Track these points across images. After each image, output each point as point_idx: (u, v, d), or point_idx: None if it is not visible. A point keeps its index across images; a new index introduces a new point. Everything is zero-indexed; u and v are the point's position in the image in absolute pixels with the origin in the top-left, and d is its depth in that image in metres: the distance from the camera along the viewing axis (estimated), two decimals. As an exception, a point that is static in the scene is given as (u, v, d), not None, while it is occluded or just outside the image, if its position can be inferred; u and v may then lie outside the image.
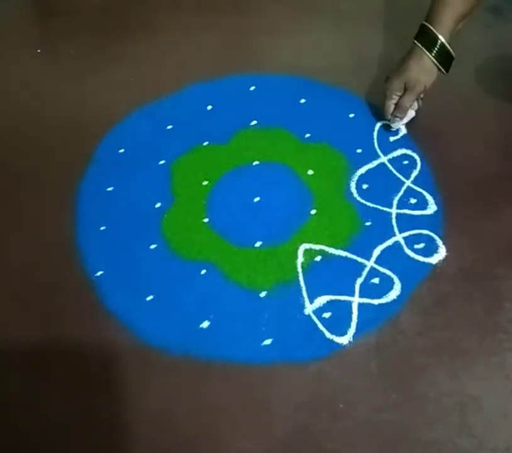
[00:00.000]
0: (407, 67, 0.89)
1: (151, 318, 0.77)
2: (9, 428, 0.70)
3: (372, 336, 0.75)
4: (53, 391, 0.72)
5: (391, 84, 0.91)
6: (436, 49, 0.87)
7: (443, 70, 0.90)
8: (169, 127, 0.98)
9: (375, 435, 0.68)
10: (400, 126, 0.95)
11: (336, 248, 0.83)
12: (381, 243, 0.83)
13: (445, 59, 0.89)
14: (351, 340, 0.74)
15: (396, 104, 0.92)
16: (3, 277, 0.82)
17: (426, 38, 0.88)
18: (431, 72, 0.89)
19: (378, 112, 0.97)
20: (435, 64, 0.88)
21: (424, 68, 0.89)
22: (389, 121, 0.94)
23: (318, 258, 0.82)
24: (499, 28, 1.11)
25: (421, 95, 0.93)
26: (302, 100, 1.01)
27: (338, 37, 1.11)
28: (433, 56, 0.87)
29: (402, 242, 0.83)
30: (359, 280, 0.79)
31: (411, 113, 0.94)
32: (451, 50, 0.88)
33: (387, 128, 0.95)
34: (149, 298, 0.79)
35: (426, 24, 0.88)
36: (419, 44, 0.88)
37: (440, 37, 0.86)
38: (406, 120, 0.94)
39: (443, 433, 0.68)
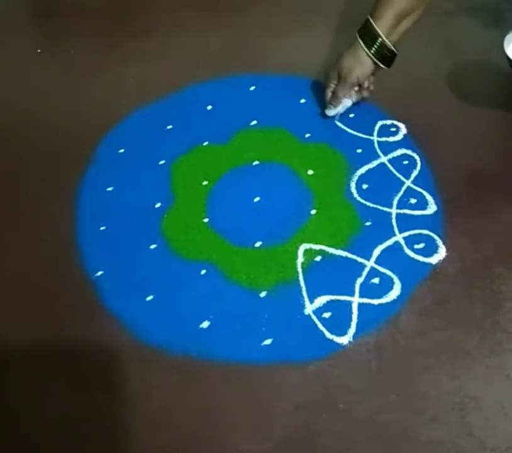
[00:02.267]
0: (342, 57, 0.91)
1: (151, 318, 0.77)
2: (9, 428, 0.70)
3: (372, 336, 0.75)
4: (53, 391, 0.72)
5: (327, 73, 0.94)
6: (376, 46, 0.88)
7: (381, 65, 0.90)
8: (169, 127, 0.98)
9: (375, 435, 0.68)
10: (334, 113, 0.96)
11: (336, 248, 0.83)
12: (381, 243, 0.83)
13: (385, 55, 0.89)
14: (351, 340, 0.74)
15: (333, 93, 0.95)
16: (3, 277, 0.82)
17: (367, 33, 0.88)
18: (365, 64, 0.90)
19: (379, 113, 0.97)
20: (374, 60, 0.89)
21: (358, 60, 0.90)
22: (326, 109, 0.96)
23: (318, 258, 0.82)
24: (499, 28, 1.11)
25: (370, 87, 0.94)
26: (302, 100, 1.01)
27: (338, 37, 1.11)
28: (372, 53, 0.88)
29: (402, 242, 0.83)
30: (359, 280, 0.79)
31: (347, 103, 0.95)
32: (391, 47, 0.88)
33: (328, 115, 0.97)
34: (149, 298, 0.79)
35: (369, 18, 0.88)
36: (359, 39, 0.89)
37: (381, 34, 0.87)
38: (341, 109, 0.96)
39: (443, 433, 0.68)
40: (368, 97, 0.96)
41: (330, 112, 0.96)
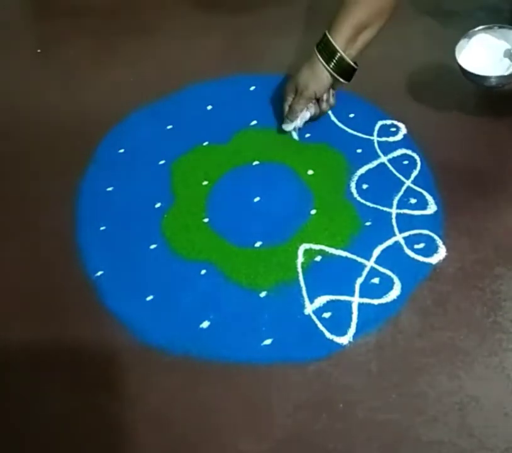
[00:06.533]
0: (299, 71, 0.89)
1: (151, 318, 0.77)
2: (9, 428, 0.70)
3: (372, 336, 0.75)
4: (53, 390, 0.72)
5: (285, 86, 0.92)
6: (334, 60, 0.85)
7: (341, 80, 0.88)
8: (169, 127, 0.98)
9: (375, 435, 0.68)
10: (292, 129, 0.93)
11: (336, 248, 0.83)
12: (381, 243, 0.83)
13: (344, 70, 0.87)
14: (351, 340, 0.74)
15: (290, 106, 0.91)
16: (3, 277, 0.82)
17: (325, 48, 0.86)
18: (322, 79, 0.87)
19: (379, 113, 0.97)
20: (333, 75, 0.87)
21: (315, 75, 0.87)
22: (284, 121, 0.92)
23: (318, 258, 0.82)
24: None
25: (330, 100, 0.92)
26: (302, 100, 1.01)
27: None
28: (331, 68, 0.86)
29: (402, 242, 0.83)
30: (359, 280, 0.79)
31: (305, 115, 0.92)
32: (350, 61, 0.86)
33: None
34: (149, 298, 0.79)
35: (327, 33, 0.86)
36: (317, 54, 0.86)
37: (338, 48, 0.84)
38: (299, 123, 0.92)
39: (443, 433, 0.68)
40: (326, 110, 0.93)
41: (287, 126, 0.92)
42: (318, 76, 0.87)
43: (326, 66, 0.86)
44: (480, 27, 0.92)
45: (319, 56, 0.86)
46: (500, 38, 0.92)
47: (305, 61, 0.89)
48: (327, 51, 0.86)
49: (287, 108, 0.92)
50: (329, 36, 0.85)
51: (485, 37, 0.92)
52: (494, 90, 0.91)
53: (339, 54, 0.85)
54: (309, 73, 0.88)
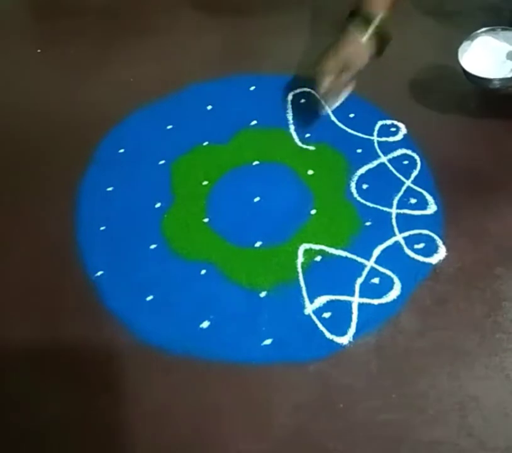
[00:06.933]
0: (342, 47, 0.88)
1: (151, 317, 0.77)
2: (9, 428, 0.70)
3: (372, 336, 0.75)
4: (53, 391, 0.72)
5: (327, 65, 0.89)
6: (372, 28, 0.86)
7: (377, 50, 0.88)
8: (169, 127, 0.98)
9: (375, 435, 0.68)
10: (336, 105, 0.94)
11: (336, 248, 0.83)
12: (381, 243, 0.83)
13: (383, 41, 0.88)
14: (351, 340, 0.74)
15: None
16: (3, 277, 0.82)
17: (361, 19, 0.86)
18: (365, 53, 0.88)
19: (379, 113, 0.97)
20: (375, 45, 0.87)
21: (358, 50, 0.87)
22: (325, 102, 0.92)
23: (318, 258, 0.82)
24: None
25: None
26: (302, 100, 1.01)
27: (338, 37, 1.10)
28: (368, 37, 0.86)
29: (402, 242, 0.83)
30: (359, 280, 0.79)
31: (346, 93, 0.93)
32: (388, 31, 0.87)
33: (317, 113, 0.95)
34: (149, 298, 0.79)
35: (364, 5, 0.86)
36: (354, 24, 0.86)
37: (376, 18, 0.85)
38: (343, 98, 0.93)
39: (443, 433, 0.68)
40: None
41: (333, 105, 0.93)
42: (361, 51, 0.87)
43: (364, 35, 0.86)
44: (483, 29, 0.92)
45: (356, 27, 0.86)
46: (503, 40, 0.92)
47: (343, 39, 0.88)
48: (364, 20, 0.86)
49: (327, 87, 0.89)
50: (365, 8, 0.85)
51: (488, 39, 0.92)
52: (497, 92, 0.91)
53: (377, 23, 0.85)
54: (353, 48, 0.87)
